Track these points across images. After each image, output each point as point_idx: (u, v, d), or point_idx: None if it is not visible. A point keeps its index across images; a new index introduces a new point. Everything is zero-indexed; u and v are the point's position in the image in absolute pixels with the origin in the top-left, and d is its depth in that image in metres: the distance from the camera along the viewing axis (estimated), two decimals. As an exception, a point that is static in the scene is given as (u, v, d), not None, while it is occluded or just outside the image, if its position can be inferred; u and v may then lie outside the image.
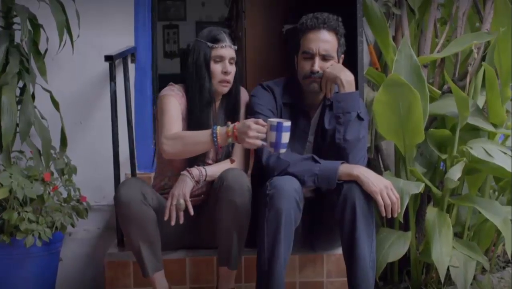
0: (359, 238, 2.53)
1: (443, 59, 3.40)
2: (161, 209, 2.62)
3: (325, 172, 2.57)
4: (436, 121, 3.34)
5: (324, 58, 2.68)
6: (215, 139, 2.47)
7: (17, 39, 3.15)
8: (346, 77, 2.64)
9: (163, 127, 2.63)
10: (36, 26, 3.17)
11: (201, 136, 2.52)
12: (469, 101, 3.04)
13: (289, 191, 2.50)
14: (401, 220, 2.90)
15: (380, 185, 2.53)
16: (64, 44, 3.11)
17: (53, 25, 3.09)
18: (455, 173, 2.91)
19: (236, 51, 2.74)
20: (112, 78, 3.08)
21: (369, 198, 2.55)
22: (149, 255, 2.62)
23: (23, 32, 2.97)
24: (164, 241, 2.71)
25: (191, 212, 2.57)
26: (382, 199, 2.51)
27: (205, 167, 2.68)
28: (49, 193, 3.00)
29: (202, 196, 2.80)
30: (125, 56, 3.36)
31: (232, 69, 2.72)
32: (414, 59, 3.09)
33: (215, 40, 2.70)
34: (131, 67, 3.51)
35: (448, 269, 2.97)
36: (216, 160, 2.78)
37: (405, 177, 3.14)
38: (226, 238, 2.65)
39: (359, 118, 2.65)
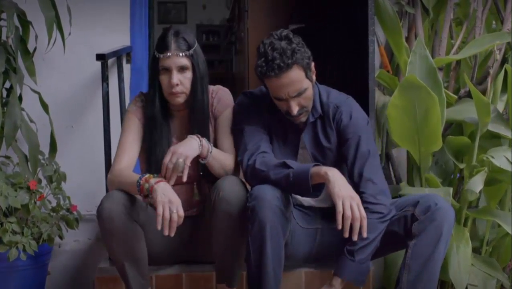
0: (438, 260, 2.34)
1: (458, 62, 3.27)
2: (151, 222, 2.43)
3: (298, 176, 2.34)
4: (450, 128, 3.18)
5: (299, 94, 2.41)
6: (138, 188, 2.35)
7: (4, 37, 3.00)
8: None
9: (116, 154, 2.53)
10: (25, 23, 3.03)
11: (132, 179, 2.39)
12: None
13: (270, 201, 2.29)
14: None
15: (347, 192, 2.28)
16: (54, 42, 2.97)
17: (44, 22, 2.94)
18: (477, 184, 2.76)
19: (192, 56, 2.48)
20: (105, 78, 2.94)
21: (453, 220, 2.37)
22: (134, 274, 2.45)
23: (9, 29, 2.85)
24: (158, 255, 2.55)
25: (185, 178, 2.37)
26: (343, 206, 2.25)
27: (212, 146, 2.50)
28: (35, 202, 2.82)
29: (195, 209, 2.63)
30: (119, 55, 3.23)
31: (182, 78, 2.48)
32: (430, 61, 2.94)
33: (161, 48, 2.48)
34: (126, 67, 3.38)
35: (466, 287, 2.81)
36: None
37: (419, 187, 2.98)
38: (223, 253, 2.48)
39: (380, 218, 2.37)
